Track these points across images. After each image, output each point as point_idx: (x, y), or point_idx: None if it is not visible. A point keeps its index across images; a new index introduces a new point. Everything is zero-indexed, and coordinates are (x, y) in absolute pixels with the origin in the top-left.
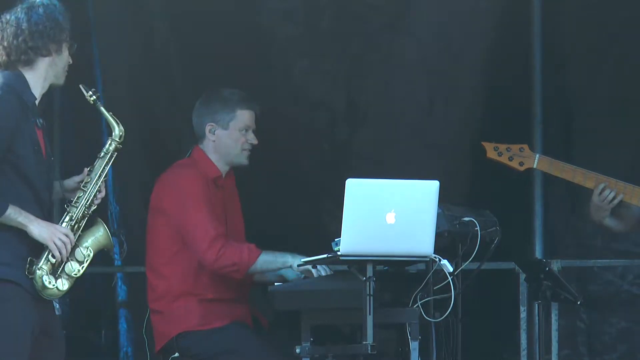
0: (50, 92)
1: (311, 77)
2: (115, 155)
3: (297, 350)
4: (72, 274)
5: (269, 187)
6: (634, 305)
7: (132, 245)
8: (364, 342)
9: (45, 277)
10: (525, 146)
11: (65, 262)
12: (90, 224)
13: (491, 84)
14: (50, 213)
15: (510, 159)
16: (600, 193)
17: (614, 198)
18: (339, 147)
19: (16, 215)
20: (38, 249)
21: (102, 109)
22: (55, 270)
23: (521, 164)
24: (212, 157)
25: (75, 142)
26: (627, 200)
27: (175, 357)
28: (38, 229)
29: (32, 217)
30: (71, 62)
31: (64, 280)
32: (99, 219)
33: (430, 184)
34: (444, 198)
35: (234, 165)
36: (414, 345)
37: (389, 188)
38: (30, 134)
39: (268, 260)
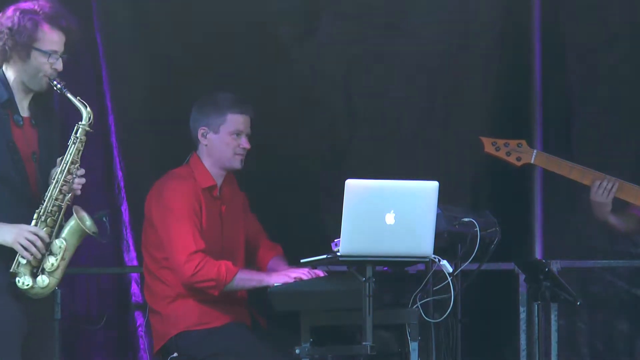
0: (50, 92)
1: (311, 78)
2: (84, 141)
3: (297, 351)
4: (49, 269)
5: (269, 188)
6: (634, 306)
7: (137, 245)
8: (364, 343)
9: (20, 280)
10: (524, 142)
11: (43, 258)
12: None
13: (491, 84)
14: (37, 206)
15: (508, 154)
16: (597, 189)
17: (611, 189)
18: (338, 148)
19: None
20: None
21: (69, 94)
22: (35, 269)
23: (518, 159)
24: (207, 162)
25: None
26: (622, 197)
27: (174, 357)
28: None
29: None
30: (59, 68)
31: (44, 277)
32: (74, 207)
33: (430, 185)
34: (443, 198)
35: (227, 169)
36: (413, 346)
37: (388, 189)
38: (2, 131)
39: (244, 278)
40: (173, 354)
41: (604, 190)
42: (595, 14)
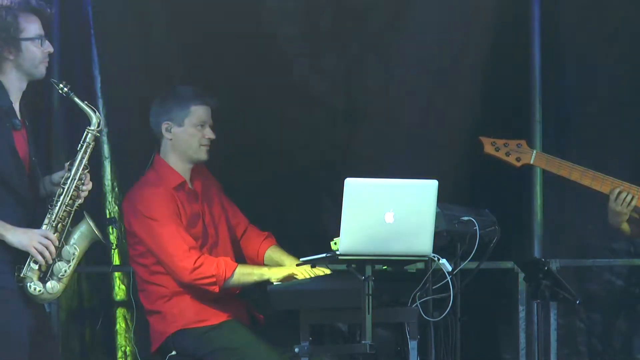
0: (50, 92)
1: (311, 77)
2: (92, 146)
3: (296, 350)
4: (60, 275)
5: (268, 186)
6: (633, 305)
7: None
8: (363, 342)
9: (31, 285)
10: (523, 142)
11: (53, 264)
12: (79, 219)
13: (491, 84)
14: (35, 212)
15: (508, 154)
16: (616, 198)
17: (631, 200)
18: (338, 147)
19: None
20: (25, 252)
21: (76, 99)
22: (45, 274)
23: (518, 159)
24: (172, 159)
25: (74, 141)
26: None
27: (172, 355)
28: (16, 237)
29: (8, 226)
30: (50, 51)
31: (53, 282)
32: (85, 213)
33: (429, 184)
34: (442, 197)
35: (193, 161)
36: (412, 345)
37: (387, 187)
38: (5, 138)
39: (245, 272)
40: (171, 352)
41: (622, 201)
42: (595, 14)
